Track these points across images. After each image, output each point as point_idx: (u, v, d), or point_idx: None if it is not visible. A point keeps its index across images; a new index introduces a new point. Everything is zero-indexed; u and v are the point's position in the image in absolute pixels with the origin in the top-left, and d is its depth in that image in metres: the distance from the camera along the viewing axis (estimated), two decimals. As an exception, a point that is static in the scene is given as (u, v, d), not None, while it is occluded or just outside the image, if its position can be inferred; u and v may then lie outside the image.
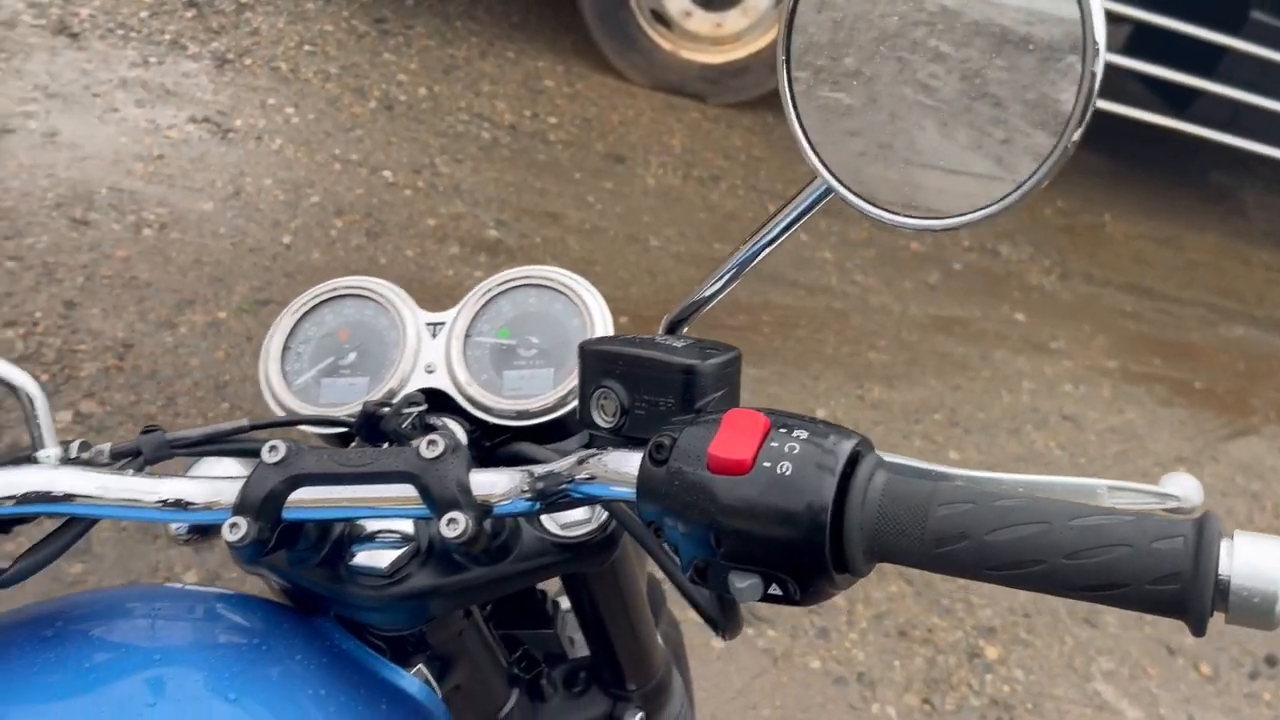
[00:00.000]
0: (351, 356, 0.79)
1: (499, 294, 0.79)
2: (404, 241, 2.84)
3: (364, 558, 0.67)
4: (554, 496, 0.61)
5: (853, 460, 0.52)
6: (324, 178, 2.95)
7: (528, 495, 0.61)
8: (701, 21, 3.86)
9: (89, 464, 0.65)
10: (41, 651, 0.61)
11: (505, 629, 0.87)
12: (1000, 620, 2.38)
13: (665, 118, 3.86)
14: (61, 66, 3.00)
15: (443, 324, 0.79)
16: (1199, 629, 0.46)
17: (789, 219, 0.66)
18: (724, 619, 0.67)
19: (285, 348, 0.79)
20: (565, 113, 3.68)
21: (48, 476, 0.63)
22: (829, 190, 0.63)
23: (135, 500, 0.62)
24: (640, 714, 0.90)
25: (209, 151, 2.91)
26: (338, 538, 0.67)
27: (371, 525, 0.68)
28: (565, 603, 0.92)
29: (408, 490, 0.61)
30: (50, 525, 0.65)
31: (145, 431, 0.68)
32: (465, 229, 2.97)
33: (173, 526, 0.76)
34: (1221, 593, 0.45)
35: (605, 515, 0.71)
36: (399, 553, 0.67)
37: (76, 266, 2.42)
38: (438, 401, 0.76)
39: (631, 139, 3.68)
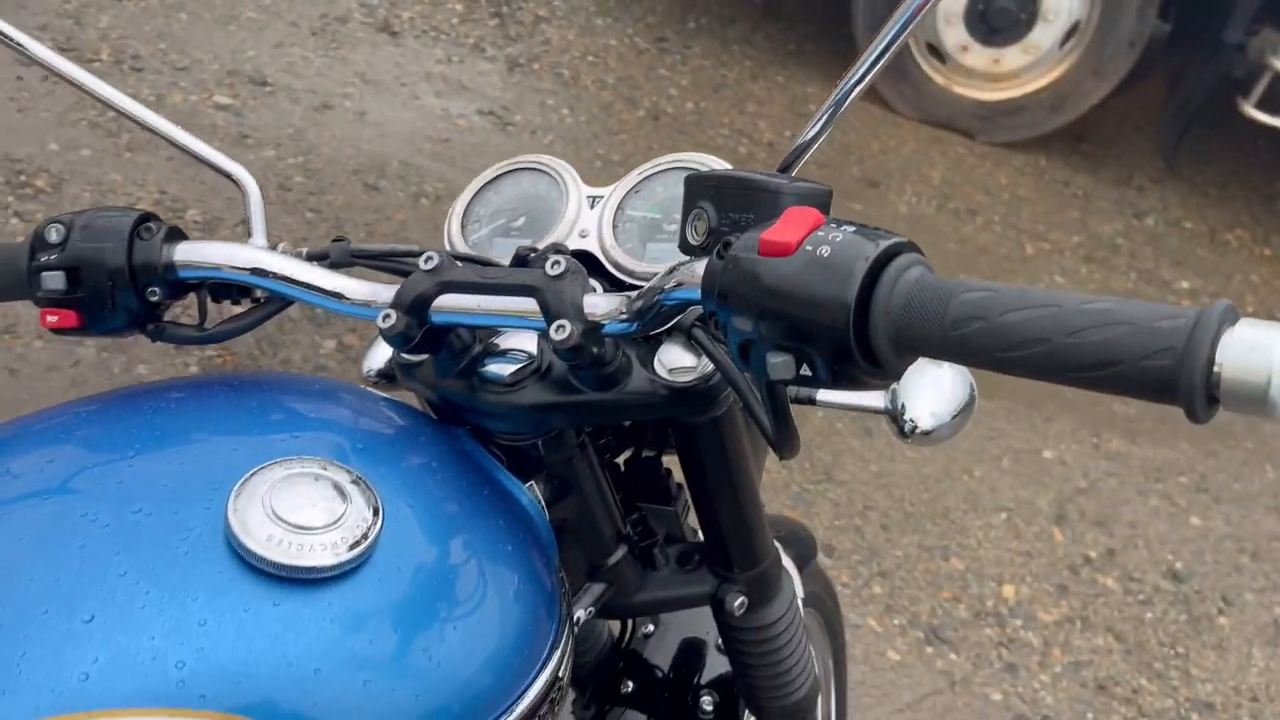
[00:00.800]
0: (521, 220, 0.89)
1: (654, 175, 0.86)
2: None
3: (492, 368, 0.75)
4: (649, 312, 0.67)
5: (892, 254, 0.54)
6: (585, 172, 3.14)
7: (626, 317, 0.68)
8: (978, 57, 3.80)
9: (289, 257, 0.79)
10: (215, 411, 0.72)
11: (628, 499, 0.93)
12: (1222, 698, 2.15)
13: (929, 150, 3.81)
14: (379, 59, 3.41)
15: (601, 197, 0.87)
16: (1192, 412, 0.45)
17: (887, 38, 0.69)
18: (778, 432, 0.68)
19: (467, 209, 0.90)
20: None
21: (262, 257, 0.76)
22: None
23: (321, 289, 0.75)
24: (743, 599, 0.92)
25: (489, 140, 3.20)
26: (475, 353, 0.76)
27: (504, 344, 0.77)
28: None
29: (532, 304, 0.69)
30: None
31: (335, 241, 0.81)
32: (708, 231, 3.08)
33: (365, 370, 0.88)
34: (1215, 375, 0.44)
35: (711, 368, 0.76)
36: (520, 365, 0.75)
37: (361, 223, 2.74)
38: (586, 264, 0.83)
39: (889, 166, 3.66)
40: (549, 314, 0.68)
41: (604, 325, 0.69)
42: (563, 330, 0.67)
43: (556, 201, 0.88)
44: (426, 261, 0.72)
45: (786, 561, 1.20)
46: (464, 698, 0.64)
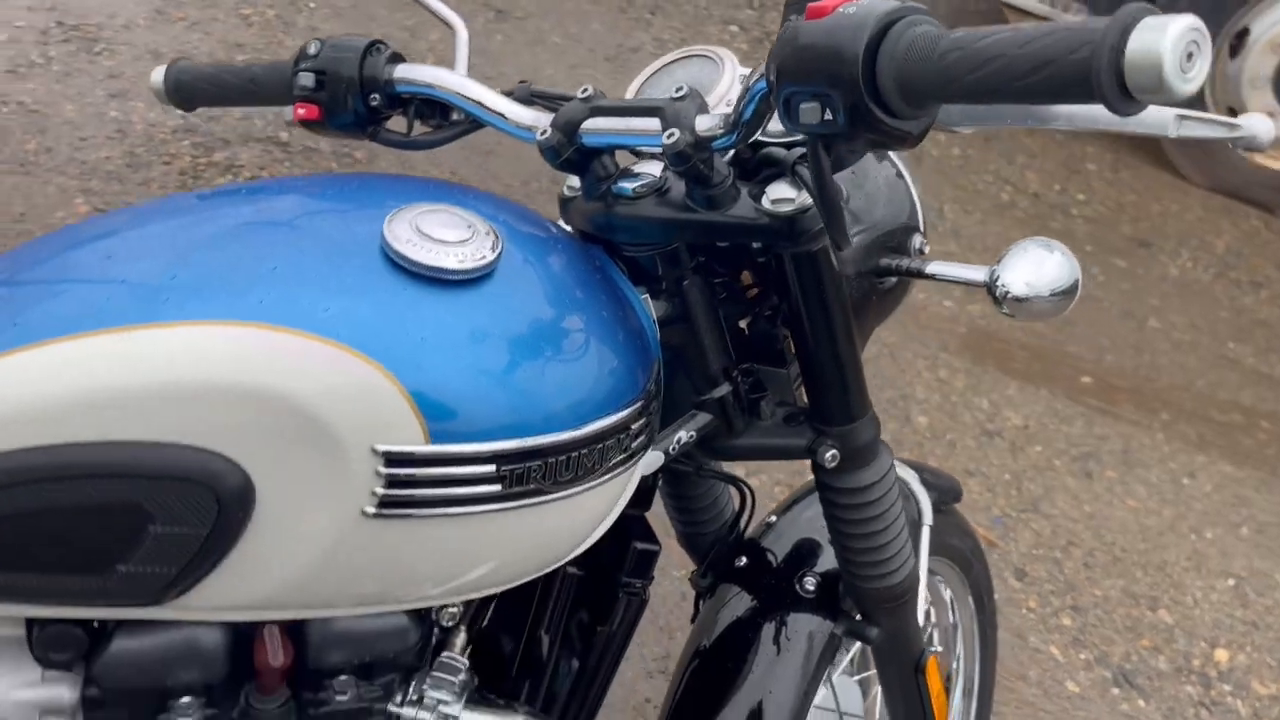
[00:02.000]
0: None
1: None
2: (887, 260, 3.03)
3: (622, 184, 0.89)
4: (740, 118, 0.78)
5: (905, 13, 0.63)
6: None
7: (723, 130, 0.80)
8: (1286, 125, 3.53)
9: None
10: (381, 181, 0.90)
11: (745, 357, 1.02)
12: None
13: (1216, 219, 3.58)
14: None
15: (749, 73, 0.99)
16: (1105, 98, 0.49)
17: None
18: (830, 219, 0.76)
19: (643, 85, 1.05)
20: (1098, 194, 3.60)
21: (463, 82, 0.95)
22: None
23: (502, 114, 0.92)
24: (835, 453, 0.98)
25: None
26: (612, 176, 0.90)
27: (636, 169, 0.90)
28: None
29: (657, 123, 0.83)
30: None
31: (519, 84, 0.99)
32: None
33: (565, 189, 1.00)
34: (1122, 61, 0.49)
35: (808, 202, 0.85)
36: (644, 183, 0.88)
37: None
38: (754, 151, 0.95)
39: (1166, 229, 3.48)
40: (665, 126, 0.81)
41: (711, 140, 0.81)
42: (672, 136, 0.80)
43: (715, 76, 1.01)
44: (583, 91, 0.88)
45: (908, 474, 1.24)
46: (534, 400, 0.78)
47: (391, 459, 0.73)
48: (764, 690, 1.14)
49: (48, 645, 0.77)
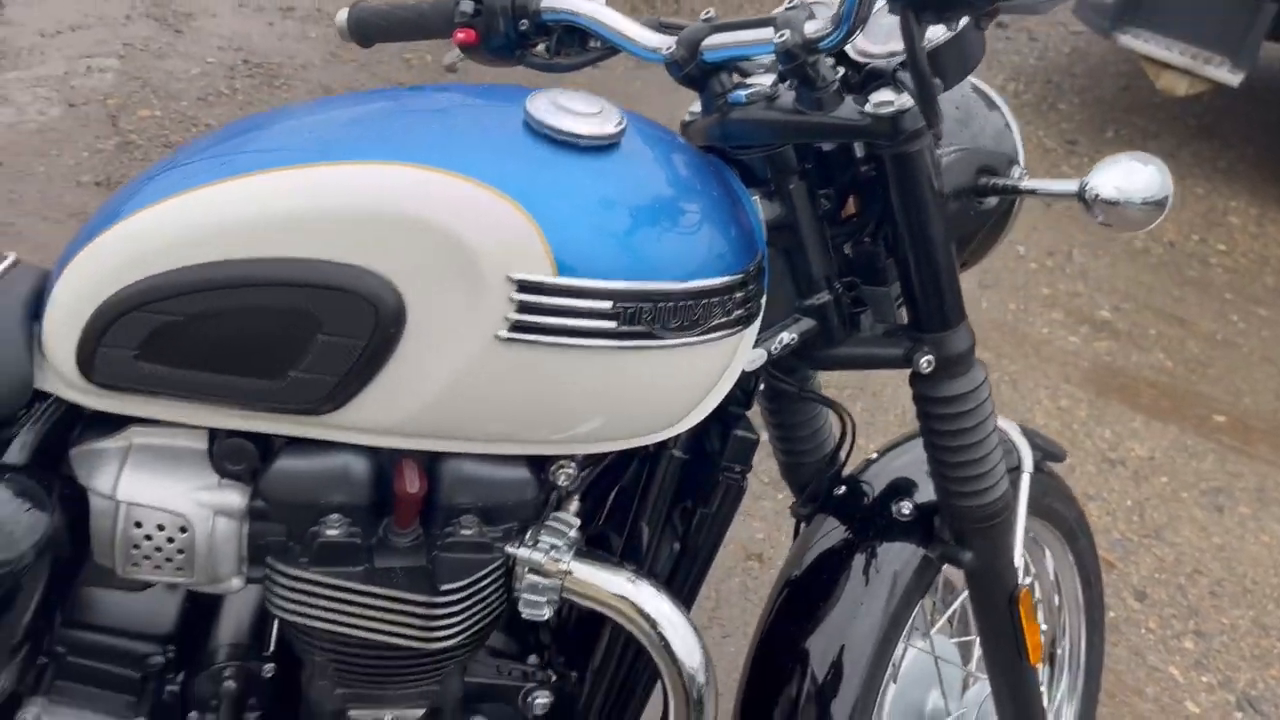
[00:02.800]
0: None
1: None
2: (1010, 296, 3.02)
3: (736, 94, 0.98)
4: (845, 17, 0.86)
5: None
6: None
7: (829, 28, 0.88)
8: None
9: None
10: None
11: (850, 274, 1.08)
12: None
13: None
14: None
15: None
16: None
17: None
18: (922, 91, 0.83)
19: None
20: (1240, 246, 3.50)
21: (601, 9, 1.06)
22: None
23: (633, 38, 1.03)
24: (930, 358, 1.02)
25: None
26: (728, 90, 0.99)
27: (749, 81, 0.99)
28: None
29: (771, 31, 0.92)
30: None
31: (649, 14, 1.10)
32: (1077, 305, 3.04)
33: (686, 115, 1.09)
34: None
35: (908, 104, 0.92)
36: (756, 90, 0.97)
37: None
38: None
39: (1313, 281, 3.35)
40: (777, 30, 0.90)
41: (819, 40, 0.89)
42: (782, 36, 0.89)
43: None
44: (706, 14, 0.99)
45: (1008, 425, 1.26)
46: (647, 249, 0.88)
47: (524, 286, 0.84)
48: (853, 614, 1.17)
49: (225, 457, 0.91)
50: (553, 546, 0.95)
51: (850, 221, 1.07)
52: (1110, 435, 2.55)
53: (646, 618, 0.96)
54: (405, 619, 0.92)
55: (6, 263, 0.93)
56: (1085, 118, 4.16)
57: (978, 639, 1.28)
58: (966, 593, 1.23)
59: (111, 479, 0.89)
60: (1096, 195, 0.96)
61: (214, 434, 0.91)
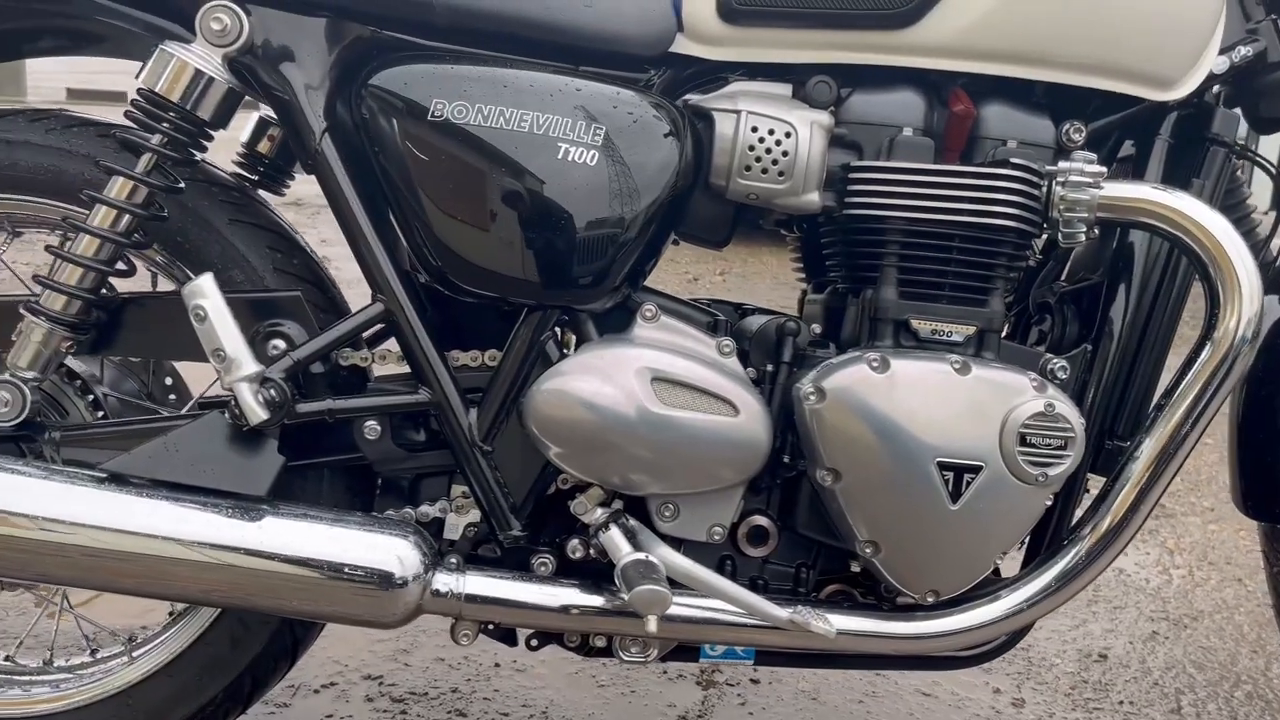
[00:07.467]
0: None
1: None
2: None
3: None
4: None
5: None
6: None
7: None
8: None
9: None
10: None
11: None
12: None
13: None
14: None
15: None
16: None
17: None
18: None
19: None
20: None
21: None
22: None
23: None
24: None
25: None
26: None
27: None
28: None
29: None
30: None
31: None
32: None
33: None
34: None
35: None
36: None
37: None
38: None
39: None
40: None
41: None
42: None
43: None
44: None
45: None
46: None
47: None
48: None
49: (812, 93, 1.14)
50: (1083, 167, 1.10)
51: None
52: None
53: (1183, 220, 1.11)
54: (964, 194, 1.10)
55: None
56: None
57: None
58: None
59: (732, 102, 1.13)
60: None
61: (798, 85, 1.14)
